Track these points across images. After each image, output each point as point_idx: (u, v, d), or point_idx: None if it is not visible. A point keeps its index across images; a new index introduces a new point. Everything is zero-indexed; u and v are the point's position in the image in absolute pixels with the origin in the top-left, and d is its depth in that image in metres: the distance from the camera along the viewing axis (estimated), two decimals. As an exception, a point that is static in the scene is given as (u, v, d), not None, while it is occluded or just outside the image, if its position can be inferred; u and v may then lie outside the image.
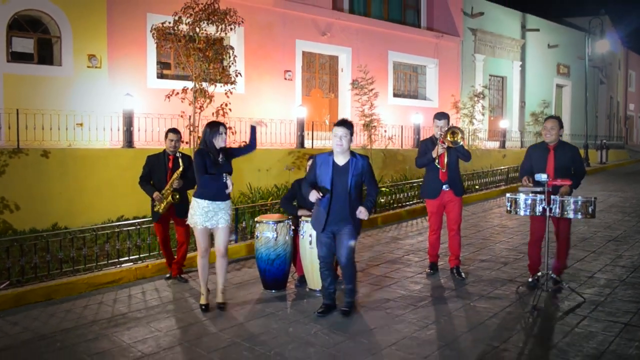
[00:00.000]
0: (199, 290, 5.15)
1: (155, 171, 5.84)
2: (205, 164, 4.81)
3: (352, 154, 4.65)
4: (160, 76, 11.93)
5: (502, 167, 13.74)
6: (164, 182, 5.75)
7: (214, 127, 4.92)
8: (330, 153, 4.69)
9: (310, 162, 5.24)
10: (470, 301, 4.99)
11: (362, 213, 4.50)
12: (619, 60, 31.68)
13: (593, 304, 4.76)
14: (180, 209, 5.76)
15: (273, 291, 5.49)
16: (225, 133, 4.93)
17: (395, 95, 16.67)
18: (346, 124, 4.60)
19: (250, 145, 5.21)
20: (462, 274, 5.76)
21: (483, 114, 16.83)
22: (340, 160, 4.62)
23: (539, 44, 21.61)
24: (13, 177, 8.58)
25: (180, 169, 5.65)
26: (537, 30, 20.93)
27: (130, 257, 6.34)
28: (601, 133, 25.09)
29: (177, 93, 8.53)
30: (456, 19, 18.13)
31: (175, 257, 6.07)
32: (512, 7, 20.67)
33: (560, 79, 23.22)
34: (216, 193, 4.86)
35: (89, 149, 9.53)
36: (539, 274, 5.04)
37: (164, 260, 6.28)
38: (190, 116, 9.31)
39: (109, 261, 6.20)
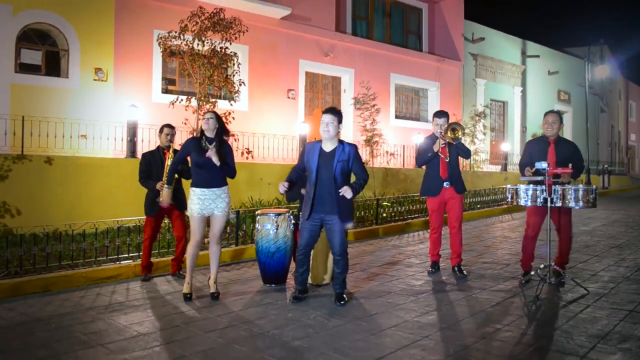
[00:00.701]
0: (198, 288, 5.16)
1: (153, 168, 5.84)
2: (189, 149, 4.94)
3: (340, 141, 4.66)
4: (165, 91, 12.08)
5: (504, 186, 13.72)
6: (162, 177, 5.77)
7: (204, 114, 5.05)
8: (319, 141, 4.72)
9: None
10: (472, 293, 4.93)
11: (346, 191, 4.42)
12: (619, 91, 32.01)
13: (597, 296, 4.70)
14: (178, 202, 5.80)
15: (273, 285, 5.44)
16: (212, 119, 4.94)
17: (397, 117, 16.81)
18: (333, 111, 4.64)
19: (232, 173, 5.07)
20: (464, 271, 5.69)
21: (484, 133, 16.90)
22: (328, 146, 4.64)
23: (539, 70, 21.90)
24: (16, 182, 8.60)
25: (171, 150, 5.72)
26: (537, 56, 21.22)
27: (130, 255, 6.31)
28: (603, 160, 25.12)
29: (181, 100, 8.62)
30: (457, 44, 18.43)
31: (175, 254, 6.04)
32: (512, 34, 21.02)
33: (561, 106, 23.40)
34: (208, 180, 4.89)
35: (92, 158, 9.57)
36: (542, 266, 4.97)
37: (164, 259, 6.27)
38: (193, 129, 9.36)
39: (108, 257, 6.17)
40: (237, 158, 6.08)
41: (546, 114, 5.34)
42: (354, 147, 4.67)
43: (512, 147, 20.14)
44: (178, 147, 5.83)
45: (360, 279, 5.62)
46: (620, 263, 6.16)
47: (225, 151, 4.95)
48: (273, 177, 11.41)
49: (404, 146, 14.84)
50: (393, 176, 13.87)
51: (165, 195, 5.62)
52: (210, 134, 4.97)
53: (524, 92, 21.17)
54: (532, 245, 5.31)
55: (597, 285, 5.07)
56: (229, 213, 5.01)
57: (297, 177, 4.82)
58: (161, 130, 5.95)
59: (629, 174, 29.46)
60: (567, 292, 4.85)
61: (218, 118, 5.01)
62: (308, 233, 4.66)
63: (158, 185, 5.66)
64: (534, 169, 4.92)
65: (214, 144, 4.87)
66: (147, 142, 10.32)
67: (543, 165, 4.65)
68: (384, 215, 9.83)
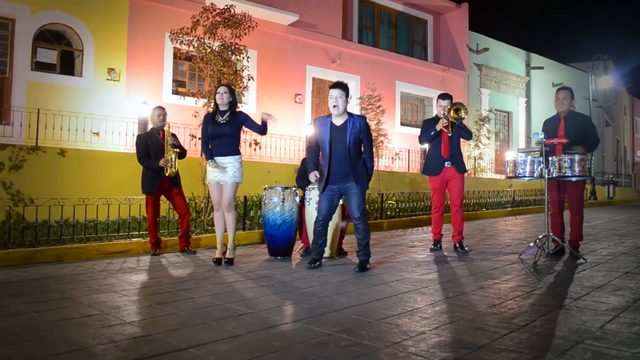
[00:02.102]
0: (207, 260, 5.32)
1: (150, 147, 6.01)
2: (207, 124, 5.21)
3: (350, 114, 4.79)
4: (176, 92, 12.38)
5: (508, 189, 13.85)
6: (161, 155, 5.95)
7: (216, 87, 5.28)
8: (329, 115, 4.82)
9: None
10: (473, 262, 5.06)
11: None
12: (625, 107, 32.16)
13: (594, 264, 4.81)
14: (177, 180, 6.05)
15: (278, 258, 5.59)
16: (226, 93, 5.17)
17: (402, 124, 17.03)
18: (341, 85, 4.72)
19: (261, 129, 5.31)
20: (465, 247, 5.82)
21: (489, 138, 17.07)
22: (338, 121, 4.73)
23: (543, 82, 22.13)
24: (30, 172, 8.86)
25: (169, 127, 5.96)
26: (542, 68, 21.49)
27: (141, 232, 6.49)
28: (608, 171, 25.17)
29: (193, 93, 8.87)
30: (462, 54, 18.74)
31: (180, 230, 6.22)
32: (516, 47, 21.31)
33: (566, 118, 23.56)
34: (218, 149, 5.15)
35: (104, 152, 9.83)
36: (540, 236, 5.08)
37: (173, 238, 6.44)
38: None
39: (119, 233, 6.36)
40: (246, 151, 6.31)
41: (557, 90, 5.43)
42: (363, 119, 4.78)
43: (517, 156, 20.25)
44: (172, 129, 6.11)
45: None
46: (619, 244, 6.27)
47: (242, 118, 5.18)
48: (280, 176, 11.61)
49: (409, 150, 15.03)
50: (399, 179, 14.03)
51: (170, 168, 5.88)
52: (224, 107, 5.19)
53: (528, 103, 21.39)
54: (558, 221, 5.34)
55: (596, 258, 5.18)
56: (239, 180, 5.15)
57: (317, 158, 4.94)
58: (153, 112, 6.17)
59: (635, 187, 29.42)
60: (565, 260, 4.97)
61: (231, 92, 5.22)
62: (327, 203, 4.76)
63: (161, 162, 5.85)
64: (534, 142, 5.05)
65: (226, 113, 5.15)
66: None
67: (539, 135, 4.80)
68: (389, 213, 9.97)
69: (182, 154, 6.14)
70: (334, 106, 4.66)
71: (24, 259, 5.36)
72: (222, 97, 5.16)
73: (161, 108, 6.20)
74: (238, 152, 5.18)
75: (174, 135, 6.11)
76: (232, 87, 9.09)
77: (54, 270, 4.89)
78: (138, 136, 6.26)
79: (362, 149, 4.80)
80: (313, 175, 4.85)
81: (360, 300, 3.42)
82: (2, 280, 4.42)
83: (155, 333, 2.70)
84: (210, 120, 5.19)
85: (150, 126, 6.32)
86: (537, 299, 3.41)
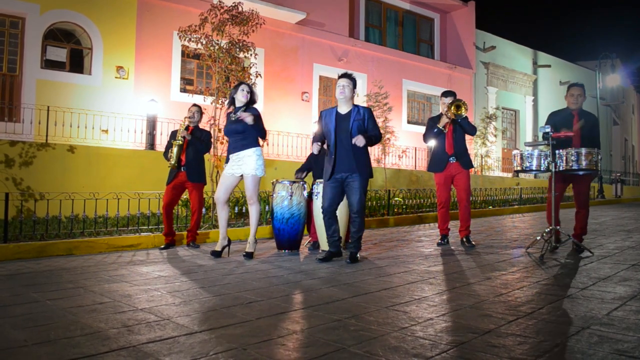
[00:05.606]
0: (211, 254, 5.37)
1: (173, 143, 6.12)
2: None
3: (355, 105, 4.88)
4: (184, 91, 12.45)
5: (515, 186, 13.83)
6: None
7: (237, 85, 5.30)
8: (335, 107, 4.97)
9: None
10: (479, 255, 5.08)
11: (358, 139, 4.59)
12: (633, 105, 31.96)
13: (601, 257, 4.82)
14: (193, 174, 6.06)
15: (286, 251, 5.63)
16: (247, 91, 5.21)
17: (409, 122, 17.04)
18: (348, 75, 4.87)
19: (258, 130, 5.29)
20: (472, 242, 5.84)
21: (495, 136, 17.04)
22: (344, 109, 4.86)
23: (550, 80, 22.05)
24: (40, 168, 8.95)
25: (186, 122, 6.02)
26: (549, 66, 21.41)
27: (150, 227, 6.56)
28: (616, 170, 25.04)
29: (201, 91, 8.93)
30: (469, 52, 18.72)
31: (189, 225, 6.28)
32: (523, 45, 21.24)
33: (573, 117, 23.44)
34: (233, 145, 5.19)
35: (113, 148, 9.91)
36: (547, 230, 5.10)
37: (182, 233, 6.49)
38: (211, 117, 9.66)
39: (129, 227, 6.43)
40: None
41: (570, 86, 5.41)
42: (368, 109, 4.91)
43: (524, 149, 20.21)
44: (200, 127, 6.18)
45: (370, 249, 5.79)
46: (626, 239, 6.27)
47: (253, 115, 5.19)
48: (287, 173, 11.65)
49: (415, 148, 15.04)
50: (405, 177, 14.05)
51: (174, 154, 5.94)
52: (240, 104, 5.22)
53: (535, 102, 21.32)
54: (555, 214, 5.35)
55: (603, 251, 5.19)
56: (260, 173, 5.10)
57: (319, 142, 5.04)
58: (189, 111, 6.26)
59: (643, 187, 29.24)
60: (572, 254, 4.99)
61: (252, 91, 5.27)
62: (331, 191, 4.81)
63: (168, 154, 5.96)
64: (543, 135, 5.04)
65: (241, 109, 5.16)
66: (166, 134, 10.68)
67: (546, 128, 4.82)
68: (396, 210, 9.99)
69: (201, 149, 6.18)
70: (341, 92, 4.80)
71: (35, 252, 5.44)
72: (246, 96, 5.18)
73: (192, 107, 6.20)
74: (255, 145, 5.14)
75: (203, 131, 6.19)
76: (242, 75, 9.17)
77: (64, 263, 4.97)
78: (172, 131, 6.39)
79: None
80: (316, 146, 4.96)
81: (368, 289, 3.45)
82: (15, 271, 4.49)
83: (167, 318, 2.75)
84: (228, 119, 5.24)
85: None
86: (543, 288, 3.43)
